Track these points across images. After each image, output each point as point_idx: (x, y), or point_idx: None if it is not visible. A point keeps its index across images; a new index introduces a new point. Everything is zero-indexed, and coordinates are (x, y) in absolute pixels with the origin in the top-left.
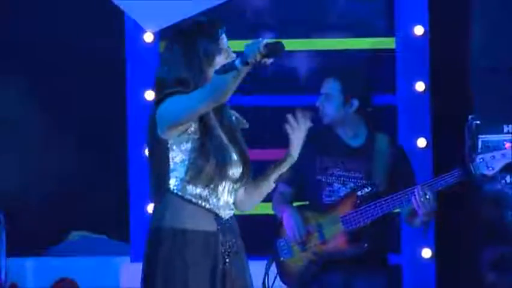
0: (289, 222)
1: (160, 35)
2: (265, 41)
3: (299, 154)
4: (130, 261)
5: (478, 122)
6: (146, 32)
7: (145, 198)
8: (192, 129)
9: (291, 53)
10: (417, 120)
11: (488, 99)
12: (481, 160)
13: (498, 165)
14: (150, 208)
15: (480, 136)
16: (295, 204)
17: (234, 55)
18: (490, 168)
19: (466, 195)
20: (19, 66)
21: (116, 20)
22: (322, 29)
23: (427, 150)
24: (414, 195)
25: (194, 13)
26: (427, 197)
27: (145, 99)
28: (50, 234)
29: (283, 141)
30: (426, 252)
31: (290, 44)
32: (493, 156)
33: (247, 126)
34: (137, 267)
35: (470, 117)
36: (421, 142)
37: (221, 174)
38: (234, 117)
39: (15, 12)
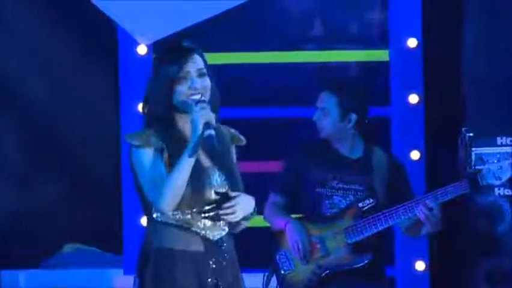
0: (294, 235)
1: (153, 47)
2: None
3: (293, 165)
4: (123, 273)
5: (471, 134)
6: (139, 44)
7: (138, 211)
8: (165, 157)
9: (285, 65)
10: (410, 133)
11: (481, 112)
12: (488, 170)
13: (506, 175)
14: (143, 221)
15: (473, 149)
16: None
17: (196, 86)
18: (498, 178)
19: (459, 206)
20: (12, 76)
21: (109, 32)
22: (315, 41)
23: (420, 163)
24: (420, 206)
25: (186, 26)
26: (433, 207)
27: (139, 111)
28: (44, 246)
29: (278, 154)
30: (420, 265)
31: (284, 57)
32: (501, 167)
33: (243, 143)
34: (130, 280)
35: (463, 129)
36: (414, 154)
37: (200, 199)
38: (229, 134)
39: (7, 23)
